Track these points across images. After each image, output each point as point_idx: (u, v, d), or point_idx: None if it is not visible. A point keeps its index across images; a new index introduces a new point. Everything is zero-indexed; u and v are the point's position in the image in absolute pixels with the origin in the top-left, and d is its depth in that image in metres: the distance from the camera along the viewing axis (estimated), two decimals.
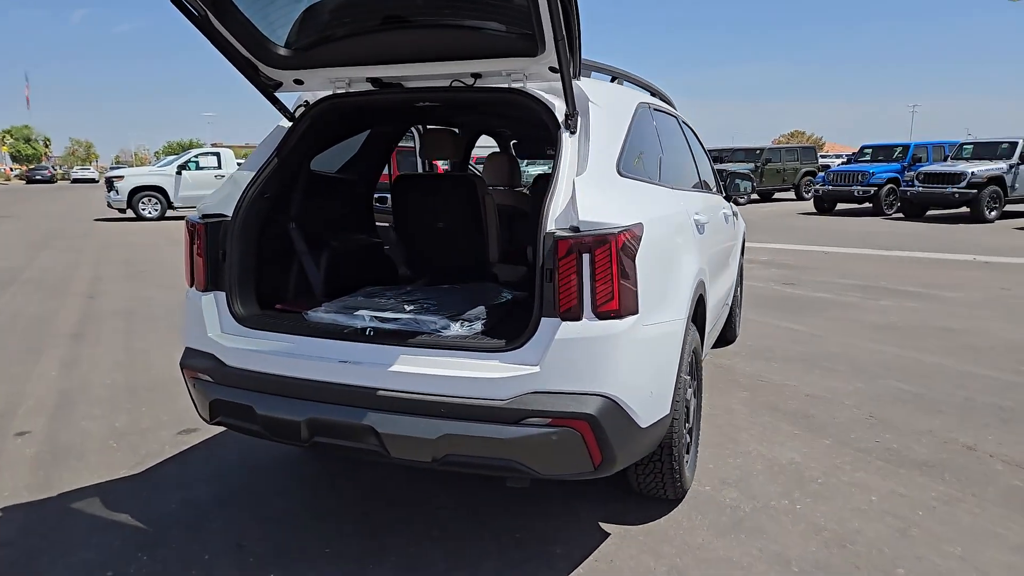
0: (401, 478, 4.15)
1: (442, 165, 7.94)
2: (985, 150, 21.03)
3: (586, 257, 2.75)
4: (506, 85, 3.33)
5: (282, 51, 3.45)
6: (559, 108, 3.21)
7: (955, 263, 12.83)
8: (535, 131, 5.93)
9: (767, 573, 3.17)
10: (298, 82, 3.61)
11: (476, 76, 3.36)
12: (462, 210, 4.60)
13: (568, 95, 3.07)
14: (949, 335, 7.44)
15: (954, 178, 19.91)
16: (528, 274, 5.83)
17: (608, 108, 3.42)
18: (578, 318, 2.77)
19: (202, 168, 23.12)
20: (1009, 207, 20.38)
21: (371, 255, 4.64)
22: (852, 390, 5.71)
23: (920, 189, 20.74)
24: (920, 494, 3.90)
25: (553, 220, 2.86)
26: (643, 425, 2.97)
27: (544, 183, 4.36)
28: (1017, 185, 20.16)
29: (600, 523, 3.62)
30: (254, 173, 3.55)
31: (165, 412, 5.29)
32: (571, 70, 2.99)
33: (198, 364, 3.38)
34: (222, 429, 4.90)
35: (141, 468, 4.33)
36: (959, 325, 7.88)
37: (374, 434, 2.90)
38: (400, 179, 4.79)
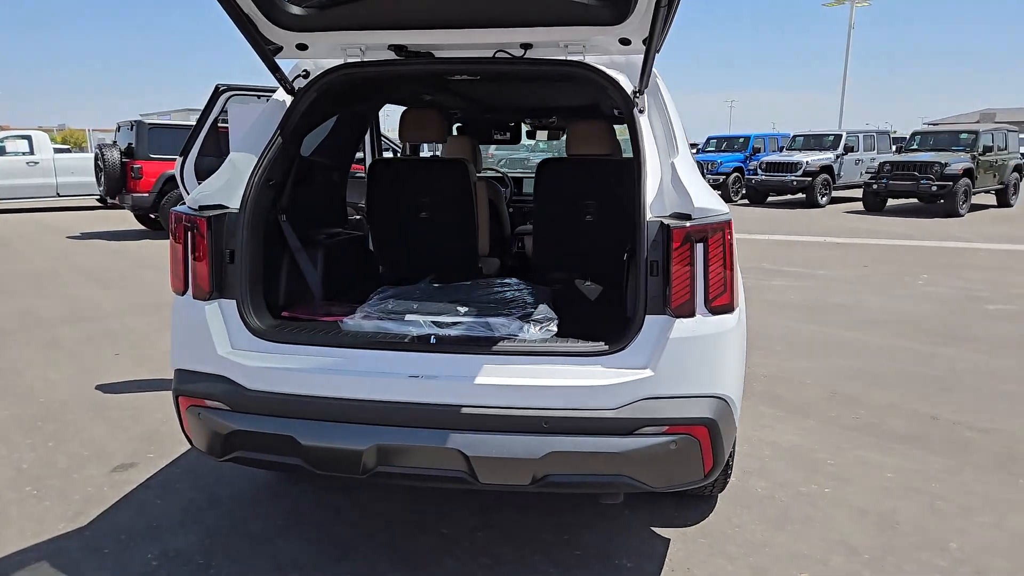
0: (407, 499, 3.70)
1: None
2: (814, 142, 23.23)
3: (699, 247, 2.52)
4: (563, 58, 2.99)
5: (292, 8, 2.88)
6: (626, 84, 2.94)
7: (812, 244, 13.95)
8: (579, 112, 5.40)
9: (842, 563, 3.12)
10: (301, 47, 3.05)
11: (526, 47, 3.00)
12: (450, 198, 4.19)
13: (647, 70, 2.80)
14: (846, 311, 8.00)
15: (792, 167, 21.81)
16: (513, 266, 5.51)
17: (663, 83, 3.19)
18: (691, 314, 2.53)
19: (9, 154, 20.08)
20: (836, 193, 22.67)
21: (358, 251, 4.11)
22: (802, 368, 5.92)
23: (763, 177, 22.51)
24: (924, 468, 4.07)
25: (652, 207, 2.59)
26: (737, 424, 2.80)
27: (553, 168, 4.07)
28: (842, 173, 22.35)
29: (653, 528, 3.42)
30: (257, 156, 2.95)
31: (80, 446, 4.42)
32: (658, 42, 2.72)
33: (206, 390, 2.77)
34: (168, 460, 4.16)
35: (86, 518, 3.55)
36: (848, 300, 8.52)
37: (462, 459, 2.49)
38: (377, 164, 4.28)
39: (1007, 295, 8.73)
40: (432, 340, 2.71)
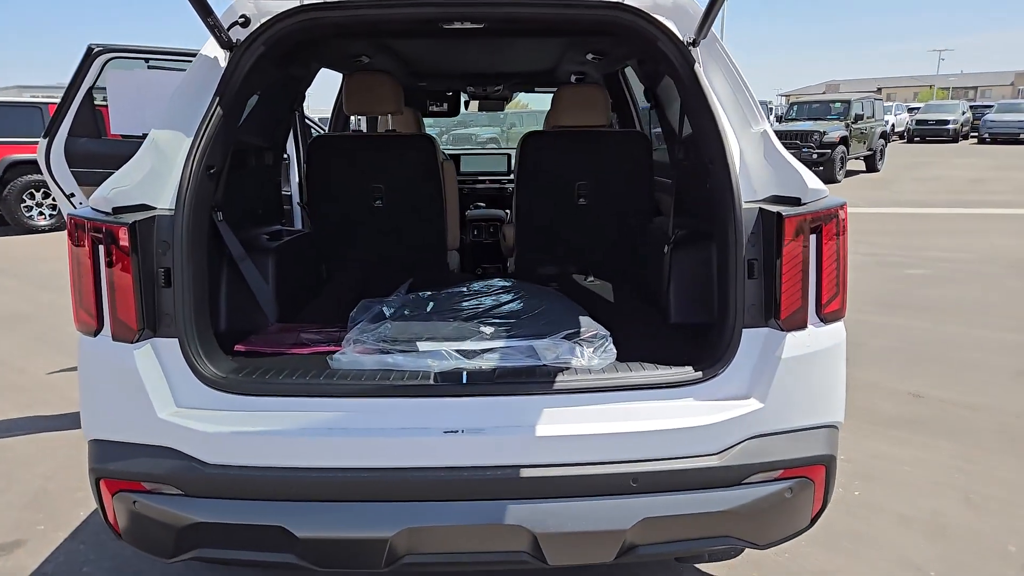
0: None
1: None
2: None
3: (813, 239, 1.99)
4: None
5: None
6: (678, 33, 2.34)
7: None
8: (605, 65, 4.58)
9: None
10: None
11: None
12: (413, 182, 3.47)
13: (714, 10, 2.21)
14: None
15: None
16: (475, 259, 4.81)
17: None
18: (803, 325, 2.01)
19: None
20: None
21: (309, 255, 3.30)
22: None
23: None
24: (937, 457, 3.85)
25: (745, 188, 2.04)
26: None
27: (539, 143, 3.43)
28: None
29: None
30: (191, 136, 2.13)
31: None
32: None
33: (144, 469, 1.98)
34: (66, 532, 3.24)
35: None
36: None
37: (525, 537, 1.87)
38: (320, 143, 3.47)
39: (920, 259, 8.97)
40: (464, 379, 2.04)
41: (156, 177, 2.09)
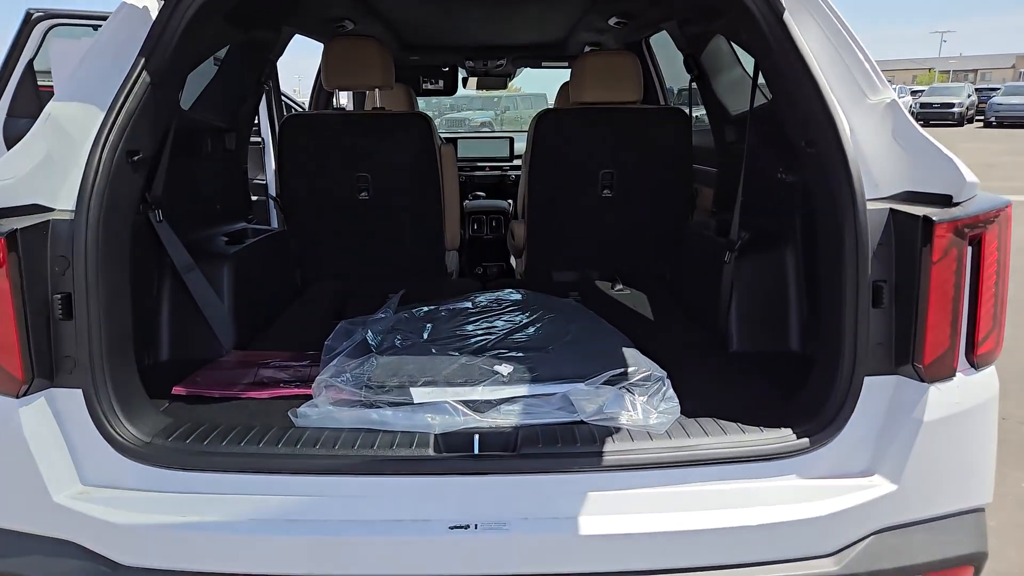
0: None
1: None
2: None
3: (968, 254, 1.43)
4: None
5: None
6: None
7: None
8: (630, 31, 3.89)
9: None
10: None
11: None
12: (406, 170, 2.89)
13: None
14: None
15: None
16: (477, 260, 4.22)
17: None
18: (950, 373, 1.46)
19: None
20: None
21: (280, 258, 2.72)
22: None
23: None
24: None
25: (870, 184, 1.48)
26: None
27: (556, 123, 2.85)
28: None
29: None
30: (104, 110, 1.55)
31: None
32: None
33: (34, 570, 1.43)
34: None
35: None
36: None
37: None
38: (294, 122, 2.89)
39: None
40: (476, 446, 1.48)
41: (53, 167, 1.51)
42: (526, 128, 6.19)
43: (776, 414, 1.56)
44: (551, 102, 4.79)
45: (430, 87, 4.79)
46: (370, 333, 1.99)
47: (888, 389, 1.47)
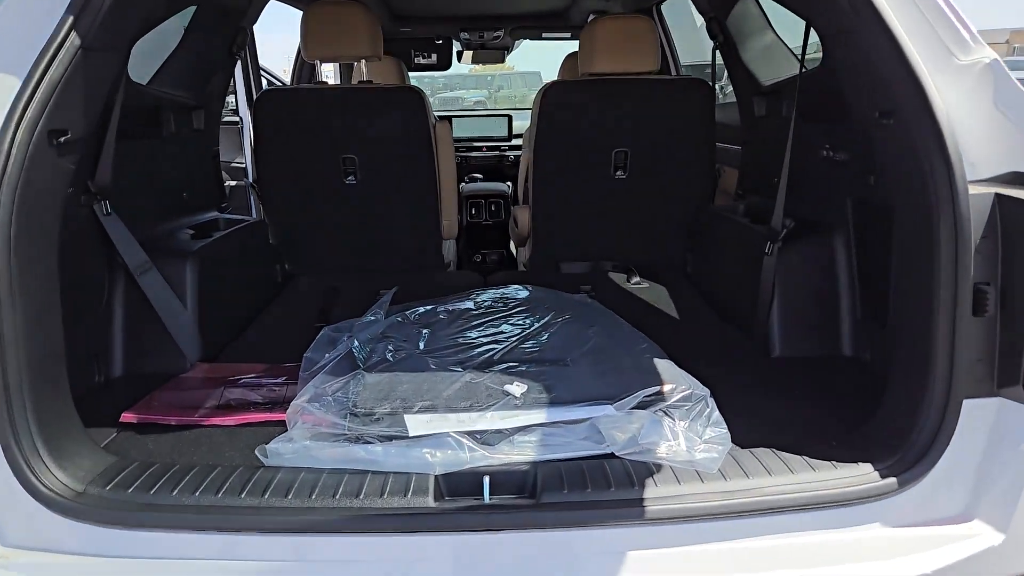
0: None
1: None
2: None
3: None
4: None
5: None
6: None
7: None
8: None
9: None
10: None
11: None
12: (398, 150, 2.60)
13: None
14: None
15: None
16: (475, 249, 3.92)
17: None
18: None
19: None
20: None
21: (249, 253, 2.42)
22: None
23: None
24: None
25: (966, 163, 1.20)
26: None
27: (564, 96, 2.55)
28: None
29: None
30: (21, 80, 1.25)
31: None
32: None
33: None
34: None
35: None
36: None
37: None
38: (269, 96, 2.58)
39: None
40: (486, 492, 1.21)
41: None
42: (521, 107, 5.86)
43: (846, 443, 1.30)
44: (546, 80, 4.49)
45: (422, 61, 4.46)
46: (356, 343, 1.70)
47: (989, 415, 1.20)
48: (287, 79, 5.41)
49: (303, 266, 2.69)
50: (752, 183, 2.52)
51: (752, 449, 1.32)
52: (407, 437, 1.31)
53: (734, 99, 2.71)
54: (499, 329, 1.82)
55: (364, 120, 2.55)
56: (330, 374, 1.54)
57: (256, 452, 1.30)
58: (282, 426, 1.42)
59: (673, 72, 3.62)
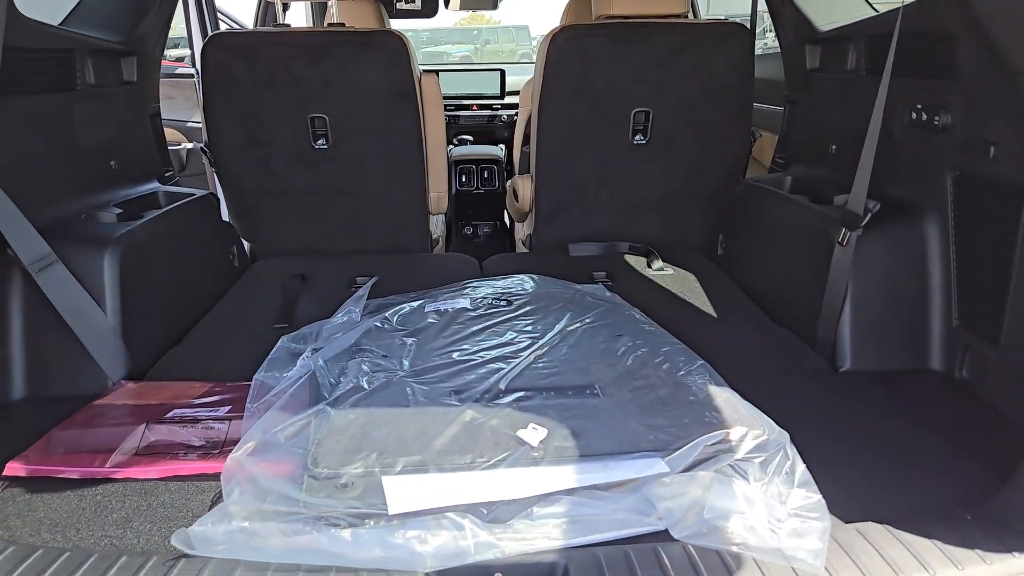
0: None
1: None
2: None
3: None
4: None
5: None
6: None
7: None
8: None
9: None
10: None
11: None
12: (376, 108, 2.18)
13: None
14: None
15: None
16: (469, 223, 3.51)
17: None
18: None
19: None
20: None
21: (196, 233, 2.00)
22: None
23: None
24: None
25: None
26: None
27: (574, 45, 2.13)
28: None
29: None
30: None
31: None
32: None
33: None
34: None
35: None
36: None
37: None
38: (219, 42, 2.14)
39: None
40: None
41: None
42: (509, 61, 5.34)
43: (982, 515, 0.95)
44: (535, 35, 4.06)
45: (405, 6, 3.97)
46: (322, 362, 1.32)
47: None
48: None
49: (265, 248, 2.30)
50: (799, 151, 2.14)
51: (857, 526, 0.96)
52: (386, 515, 0.95)
53: (773, 49, 2.31)
54: (504, 339, 1.45)
55: (336, 72, 2.13)
56: (284, 410, 1.17)
57: (173, 541, 0.93)
58: (219, 481, 1.05)
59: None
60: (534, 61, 2.39)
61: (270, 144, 2.21)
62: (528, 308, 1.61)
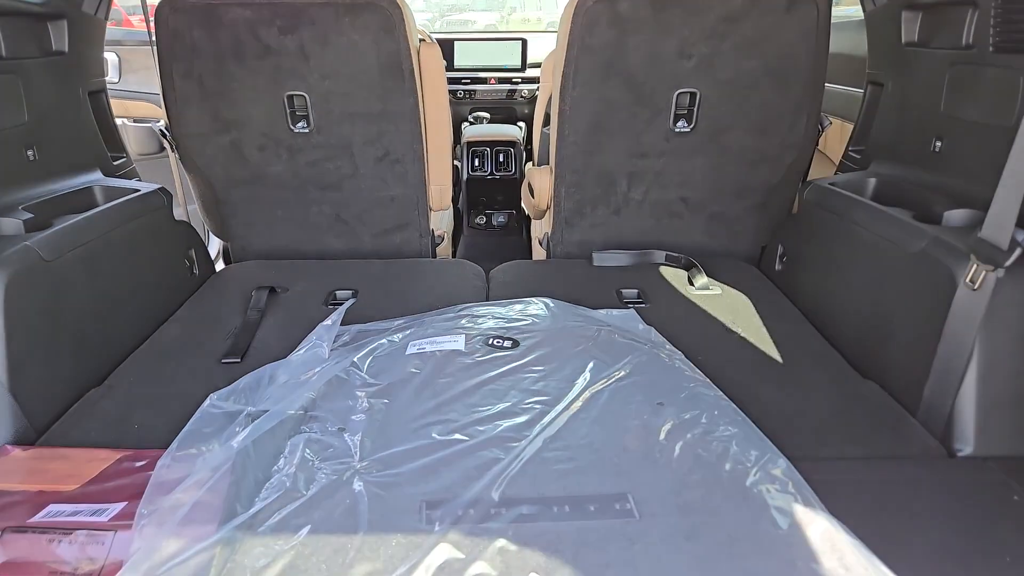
0: None
1: None
2: None
3: None
4: None
5: None
6: None
7: None
8: None
9: None
10: None
11: None
12: (364, 83, 1.81)
13: None
14: None
15: None
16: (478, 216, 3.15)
17: None
18: None
19: None
20: None
21: (144, 235, 1.65)
22: None
23: None
24: None
25: None
26: None
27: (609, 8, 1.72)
28: None
29: None
30: None
31: None
32: None
33: None
34: None
35: None
36: None
37: None
38: (172, 7, 1.77)
39: None
40: None
41: None
42: (536, 30, 4.88)
43: None
44: (561, 4, 3.63)
45: None
46: (251, 441, 0.96)
47: None
48: None
49: (238, 248, 1.95)
50: (885, 146, 1.73)
51: None
52: None
53: (845, 17, 1.89)
54: (504, 405, 1.08)
55: (315, 41, 1.75)
56: (181, 530, 0.81)
57: None
58: None
59: None
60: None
61: (241, 126, 1.85)
62: (539, 353, 1.24)
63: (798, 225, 1.74)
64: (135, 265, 1.54)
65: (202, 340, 1.47)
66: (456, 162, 3.28)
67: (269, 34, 1.75)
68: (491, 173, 3.14)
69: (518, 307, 1.44)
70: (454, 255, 3.00)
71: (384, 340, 1.31)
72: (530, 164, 2.25)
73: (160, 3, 1.74)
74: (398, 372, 1.18)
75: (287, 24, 1.74)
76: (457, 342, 1.26)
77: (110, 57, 2.78)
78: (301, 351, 1.29)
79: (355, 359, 1.22)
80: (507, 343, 1.25)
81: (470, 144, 3.16)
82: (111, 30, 2.05)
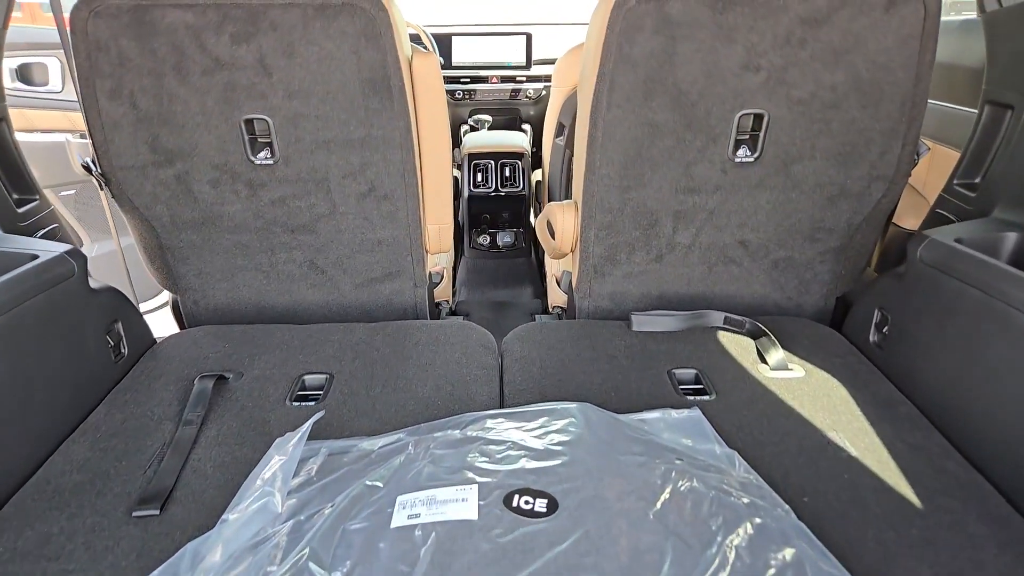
0: None
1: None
2: None
3: None
4: None
5: None
6: None
7: None
8: None
9: None
10: None
11: None
12: (344, 103, 1.42)
13: None
14: None
15: None
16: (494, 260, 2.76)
17: None
18: None
19: None
20: None
21: (47, 313, 1.27)
22: None
23: None
24: None
25: None
26: None
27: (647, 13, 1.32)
28: None
29: None
30: None
31: None
32: None
33: None
34: None
35: None
36: None
37: None
38: (92, 7, 1.37)
39: None
40: None
41: None
42: (542, 23, 4.47)
43: None
44: None
45: None
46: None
47: None
48: None
49: (184, 306, 1.57)
50: (1011, 185, 1.35)
51: None
52: None
53: (960, 17, 1.50)
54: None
55: (279, 52, 1.37)
56: None
57: None
58: None
59: None
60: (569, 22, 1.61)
61: (187, 157, 1.46)
62: (590, 525, 0.86)
63: (907, 289, 1.36)
64: (28, 362, 1.16)
65: (111, 472, 1.09)
66: (456, 172, 2.90)
67: (219, 44, 1.36)
68: (496, 190, 2.76)
69: (542, 420, 1.06)
70: (454, 281, 2.62)
71: (362, 485, 0.93)
72: (548, 205, 1.85)
73: (76, 4, 1.34)
74: (376, 563, 0.80)
75: (241, 31, 1.35)
76: (467, 501, 0.88)
77: (51, 62, 2.39)
78: (245, 503, 0.92)
79: (316, 536, 0.84)
80: (539, 503, 0.88)
81: (472, 156, 2.77)
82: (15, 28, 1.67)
